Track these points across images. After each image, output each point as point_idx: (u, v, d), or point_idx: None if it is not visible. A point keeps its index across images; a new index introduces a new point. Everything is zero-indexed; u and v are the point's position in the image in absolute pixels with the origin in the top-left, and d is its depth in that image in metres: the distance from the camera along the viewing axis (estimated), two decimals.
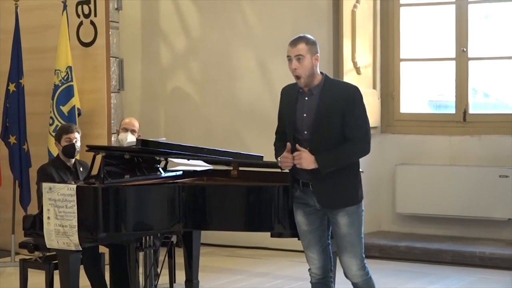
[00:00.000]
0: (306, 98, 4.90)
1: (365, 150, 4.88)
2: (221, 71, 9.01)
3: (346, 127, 4.82)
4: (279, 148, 5.06)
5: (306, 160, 4.78)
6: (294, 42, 4.87)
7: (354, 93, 4.88)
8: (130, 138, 6.81)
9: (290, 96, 4.97)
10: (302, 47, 4.84)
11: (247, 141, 8.75)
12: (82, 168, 6.36)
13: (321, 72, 4.93)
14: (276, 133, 5.17)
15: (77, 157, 6.48)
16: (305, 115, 4.87)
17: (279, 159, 4.94)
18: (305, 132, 4.86)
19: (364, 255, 4.96)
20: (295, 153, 4.82)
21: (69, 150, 6.37)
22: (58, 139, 6.45)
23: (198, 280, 6.36)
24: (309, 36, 4.94)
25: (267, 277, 7.53)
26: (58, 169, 6.33)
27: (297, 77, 4.86)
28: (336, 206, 4.88)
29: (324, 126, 4.82)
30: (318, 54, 4.90)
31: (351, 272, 4.92)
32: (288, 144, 4.86)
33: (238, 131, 8.90)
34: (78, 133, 6.47)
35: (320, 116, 4.82)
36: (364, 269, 4.93)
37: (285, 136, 5.02)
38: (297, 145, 4.83)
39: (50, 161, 6.72)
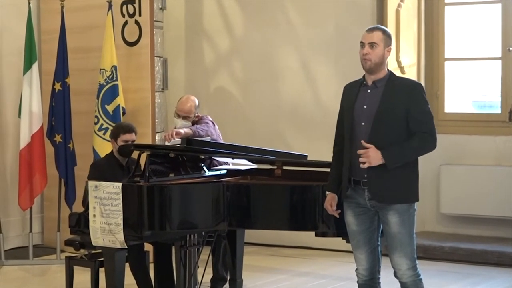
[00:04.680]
0: (369, 91, 4.87)
1: (432, 146, 4.86)
2: (264, 71, 9.01)
3: (412, 122, 4.78)
4: (333, 177, 5.04)
5: (374, 157, 4.73)
6: (371, 29, 4.89)
7: (419, 89, 4.87)
8: (181, 124, 6.82)
9: (352, 90, 4.96)
10: (378, 35, 4.84)
11: (290, 141, 8.74)
12: (134, 167, 6.32)
13: (387, 69, 4.93)
14: (335, 145, 5.06)
15: None
16: (365, 106, 4.84)
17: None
18: (363, 124, 4.82)
19: (415, 256, 4.88)
20: (361, 151, 4.76)
21: (125, 150, 6.27)
22: (114, 137, 6.35)
23: (242, 279, 6.36)
24: (386, 28, 4.96)
25: (311, 277, 7.51)
26: (111, 166, 6.28)
27: (365, 60, 4.83)
28: (388, 201, 4.81)
29: (386, 118, 4.78)
30: (391, 47, 4.90)
31: (400, 271, 4.86)
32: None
33: (280, 131, 8.89)
34: (136, 133, 6.39)
35: (384, 108, 4.78)
36: (415, 270, 4.86)
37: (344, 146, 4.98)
38: (362, 141, 4.76)
39: (104, 157, 6.65)
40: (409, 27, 8.53)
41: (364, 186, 4.84)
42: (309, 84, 8.79)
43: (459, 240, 8.29)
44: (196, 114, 6.91)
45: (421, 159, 4.81)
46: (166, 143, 6.62)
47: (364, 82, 4.92)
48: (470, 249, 8.00)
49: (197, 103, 6.95)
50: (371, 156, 4.74)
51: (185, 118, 6.85)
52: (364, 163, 4.76)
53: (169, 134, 6.60)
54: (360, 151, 4.77)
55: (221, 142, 6.85)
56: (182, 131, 6.61)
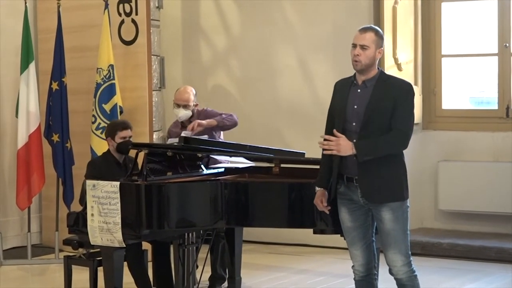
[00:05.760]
0: (359, 90, 4.89)
1: (404, 144, 4.86)
2: (262, 69, 9.01)
3: (393, 118, 4.80)
4: (322, 173, 5.05)
5: (344, 146, 4.76)
6: (364, 30, 4.88)
7: (408, 89, 4.89)
8: (182, 113, 6.83)
9: (343, 89, 4.97)
10: (370, 37, 4.85)
11: (288, 139, 8.73)
12: (131, 165, 6.30)
13: (377, 67, 4.94)
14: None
15: None
16: (355, 106, 4.86)
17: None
18: (353, 124, 4.85)
19: (410, 252, 4.91)
20: (333, 139, 4.81)
21: (125, 147, 6.26)
22: (111, 135, 6.32)
23: (241, 277, 6.36)
24: (378, 28, 4.95)
25: (309, 274, 7.51)
26: (108, 164, 6.27)
27: (355, 62, 4.85)
28: (380, 200, 4.84)
29: (374, 119, 4.80)
30: (383, 49, 4.90)
31: (395, 268, 4.88)
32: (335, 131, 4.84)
33: (278, 129, 8.89)
34: (131, 129, 6.39)
35: (371, 109, 4.81)
36: (410, 266, 4.89)
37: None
38: (334, 130, 4.81)
39: (101, 156, 6.62)
40: (406, 24, 8.53)
41: (357, 183, 4.86)
42: (306, 82, 8.79)
43: (458, 236, 8.30)
44: (195, 103, 6.94)
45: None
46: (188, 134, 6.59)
47: (355, 82, 4.94)
48: (469, 245, 8.00)
49: (194, 92, 7.00)
50: (341, 145, 4.78)
51: (185, 107, 6.87)
52: (330, 150, 4.79)
53: (191, 126, 6.63)
54: (329, 137, 4.81)
55: (220, 140, 6.86)
56: (204, 122, 6.65)
